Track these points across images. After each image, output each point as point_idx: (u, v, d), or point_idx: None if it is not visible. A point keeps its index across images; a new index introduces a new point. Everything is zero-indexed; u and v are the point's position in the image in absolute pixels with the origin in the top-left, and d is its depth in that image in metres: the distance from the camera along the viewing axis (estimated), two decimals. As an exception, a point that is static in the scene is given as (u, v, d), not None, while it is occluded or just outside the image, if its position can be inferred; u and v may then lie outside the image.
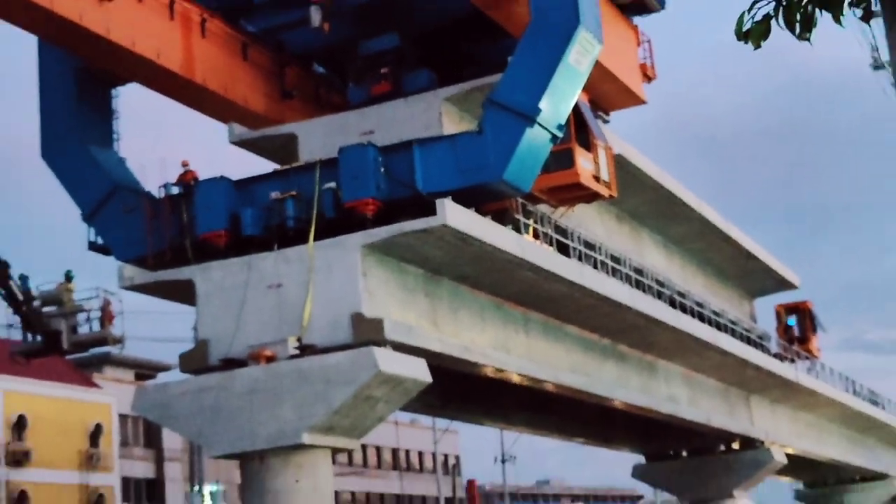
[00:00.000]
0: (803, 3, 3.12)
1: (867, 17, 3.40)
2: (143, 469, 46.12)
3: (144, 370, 31.96)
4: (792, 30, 3.18)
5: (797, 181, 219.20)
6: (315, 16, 21.79)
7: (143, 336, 51.44)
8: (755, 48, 3.31)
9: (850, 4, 3.23)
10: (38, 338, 22.04)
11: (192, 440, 31.27)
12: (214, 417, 20.68)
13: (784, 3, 3.15)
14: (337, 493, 26.37)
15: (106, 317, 21.86)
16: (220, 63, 22.81)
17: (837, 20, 3.21)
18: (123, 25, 20.11)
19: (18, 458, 38.36)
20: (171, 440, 43.09)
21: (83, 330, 22.07)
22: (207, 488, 41.51)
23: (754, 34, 3.20)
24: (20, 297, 21.11)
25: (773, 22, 3.19)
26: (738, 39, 3.28)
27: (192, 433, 23.30)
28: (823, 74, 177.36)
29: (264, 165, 24.53)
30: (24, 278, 21.39)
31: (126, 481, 44.13)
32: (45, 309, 21.59)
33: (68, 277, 21.63)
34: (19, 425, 37.59)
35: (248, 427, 20.27)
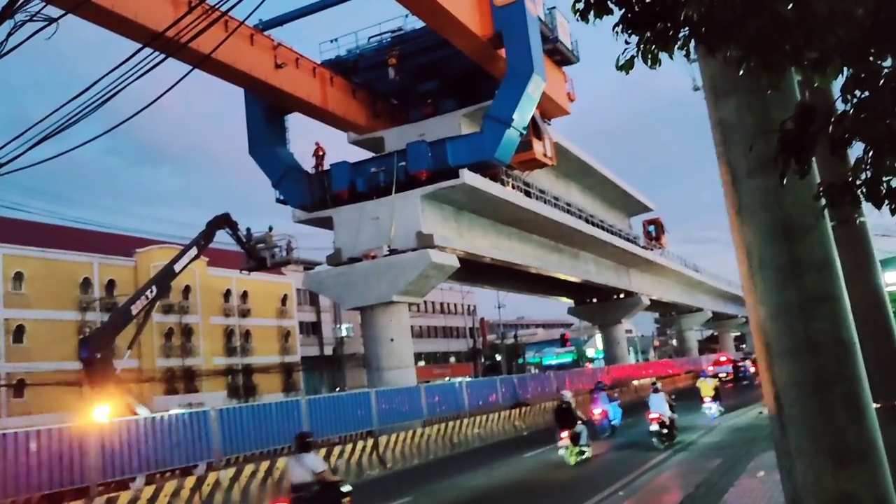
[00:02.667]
0: (652, 48, 3.67)
1: (688, 55, 3.89)
2: (309, 317, 63.16)
3: (308, 265, 41.57)
4: (646, 63, 3.74)
5: (653, 150, 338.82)
6: (391, 73, 31.17)
7: (307, 247, 73.13)
8: (626, 74, 3.90)
9: (678, 48, 3.69)
10: (253, 262, 30.39)
11: (334, 300, 40.99)
12: (346, 288, 30.32)
13: (641, 48, 3.70)
14: (411, 327, 32.92)
15: (289, 248, 30.55)
16: (341, 99, 32.04)
17: (671, 57, 3.75)
18: (289, 81, 28.88)
19: (244, 313, 56.47)
20: (324, 301, 59.42)
21: (278, 255, 30.59)
22: (344, 326, 60.25)
23: (626, 66, 3.79)
24: (244, 240, 29.00)
25: (635, 59, 3.76)
26: (617, 70, 3.87)
27: (334, 296, 33.42)
28: (665, 90, 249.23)
29: (366, 154, 34.24)
30: (248, 230, 29.14)
31: (301, 324, 61.32)
32: (258, 245, 29.82)
33: (270, 228, 30.46)
34: (245, 296, 55.92)
35: (364, 293, 29.72)
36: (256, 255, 30.20)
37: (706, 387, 24.40)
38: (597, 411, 22.57)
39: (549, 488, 15.10)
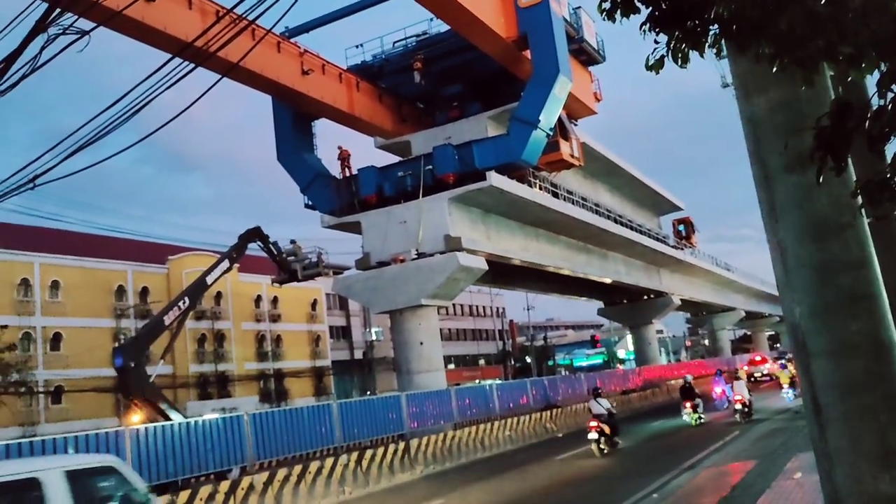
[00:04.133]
0: (682, 47, 3.68)
1: (718, 53, 3.96)
2: (339, 321, 63.59)
3: (338, 270, 43.12)
4: (676, 62, 3.75)
5: (681, 148, 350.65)
6: (417, 77, 31.18)
7: (336, 251, 79.72)
8: (656, 74, 3.92)
9: (709, 46, 3.73)
10: (285, 274, 30.93)
11: (363, 304, 41.62)
12: (375, 292, 30.35)
13: (671, 47, 3.69)
14: (440, 330, 33.13)
15: (319, 260, 31.17)
16: (367, 104, 32.25)
17: (702, 55, 3.78)
18: (316, 87, 29.36)
19: (275, 318, 56.86)
20: (353, 305, 59.40)
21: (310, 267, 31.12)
22: (374, 329, 60.17)
23: (655, 66, 3.81)
24: (275, 253, 29.60)
25: (666, 59, 3.78)
26: (647, 70, 3.88)
27: (363, 300, 33.49)
28: (692, 87, 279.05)
29: (393, 158, 34.36)
30: (275, 243, 29.54)
31: (330, 328, 61.79)
32: (289, 258, 30.50)
33: (292, 241, 30.79)
34: (275, 301, 56.05)
35: (392, 296, 29.77)
36: (288, 267, 30.70)
37: (784, 376, 29.80)
38: (717, 390, 28.97)
39: (583, 491, 14.98)
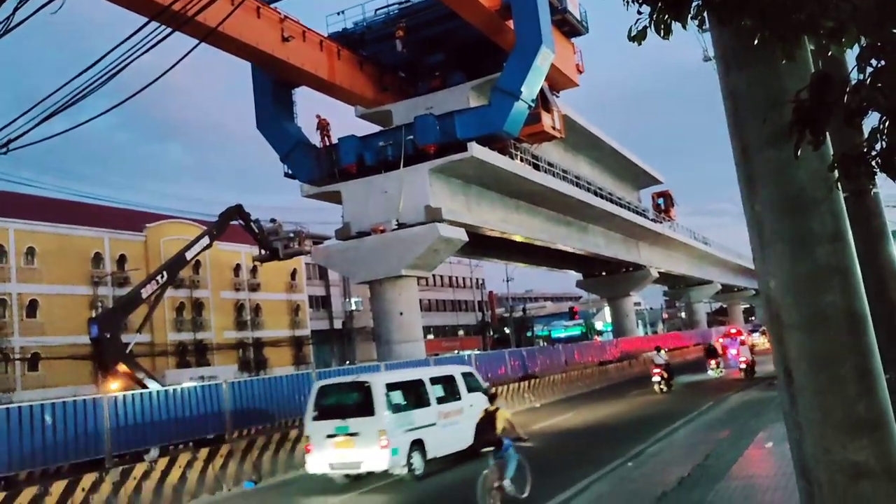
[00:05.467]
0: (664, 18, 3.72)
1: (701, 25, 4.15)
2: (318, 291, 63.48)
3: (318, 240, 42.92)
4: (658, 33, 3.81)
5: (663, 122, 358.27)
6: (398, 45, 30.86)
7: (316, 221, 77.78)
8: (638, 45, 3.98)
9: (692, 18, 3.76)
10: (265, 252, 30.90)
11: (343, 274, 42.28)
12: (355, 262, 30.45)
13: (653, 18, 3.74)
14: (419, 300, 33.27)
15: (300, 240, 31.11)
16: (348, 73, 31.70)
17: (684, 27, 3.82)
18: (297, 55, 28.69)
19: (254, 287, 56.67)
20: (333, 275, 59.36)
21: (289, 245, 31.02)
22: (353, 299, 60.62)
23: (638, 37, 3.87)
24: (256, 231, 29.44)
25: (648, 30, 3.81)
26: (629, 40, 3.93)
27: (343, 271, 34.02)
28: (674, 60, 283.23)
29: (374, 128, 33.87)
30: (256, 221, 29.18)
31: (310, 297, 61.64)
32: (270, 237, 30.32)
33: (272, 220, 30.61)
34: (254, 271, 55.23)
35: (372, 267, 29.68)
36: (269, 245, 30.71)
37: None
38: (732, 352, 33.36)
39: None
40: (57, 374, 40.83)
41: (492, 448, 10.23)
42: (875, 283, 5.69)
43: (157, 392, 17.21)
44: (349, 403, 14.03)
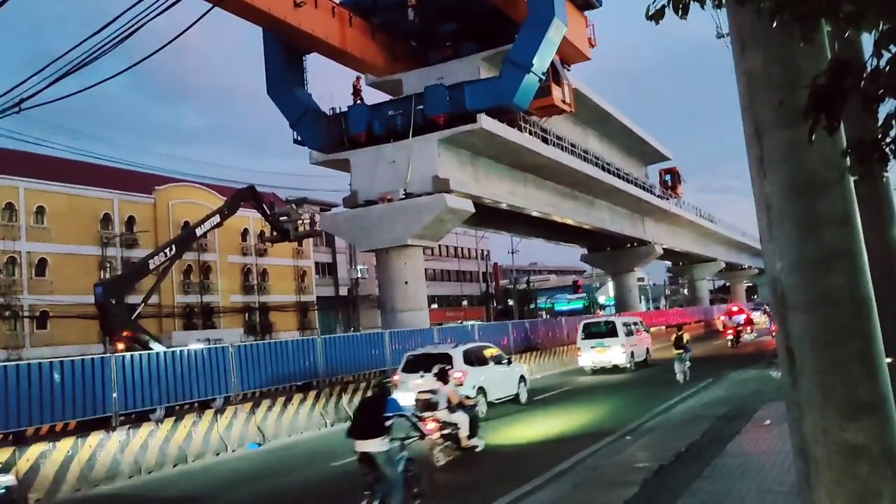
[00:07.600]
0: None
1: (719, 4, 4.11)
2: (325, 258, 63.85)
3: (326, 207, 43.69)
4: (677, 13, 3.80)
5: (669, 98, 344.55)
6: (410, 13, 30.80)
7: (324, 188, 79.51)
8: (656, 24, 3.96)
9: None
10: (277, 233, 31.75)
11: (350, 242, 42.39)
12: (361, 230, 30.55)
13: None
14: (425, 270, 33.57)
15: (312, 222, 31.82)
16: (360, 40, 31.57)
17: (702, 6, 3.91)
18: (308, 20, 28.67)
19: (261, 252, 55.93)
20: (339, 242, 59.70)
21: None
22: (359, 267, 60.70)
23: (656, 16, 3.85)
24: (268, 213, 30.41)
25: (666, 9, 3.79)
26: (647, 19, 3.89)
27: (350, 238, 34.12)
28: (686, 36, 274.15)
29: (384, 96, 33.97)
30: (270, 204, 30.14)
31: (316, 264, 62.12)
32: (281, 218, 31.31)
33: (287, 200, 31.69)
34: (261, 235, 51.48)
35: (379, 235, 29.97)
36: (280, 227, 31.14)
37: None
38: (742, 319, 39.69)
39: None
40: (66, 333, 41.24)
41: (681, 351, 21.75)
42: (881, 267, 5.71)
43: (165, 353, 17.42)
44: (604, 331, 27.30)
